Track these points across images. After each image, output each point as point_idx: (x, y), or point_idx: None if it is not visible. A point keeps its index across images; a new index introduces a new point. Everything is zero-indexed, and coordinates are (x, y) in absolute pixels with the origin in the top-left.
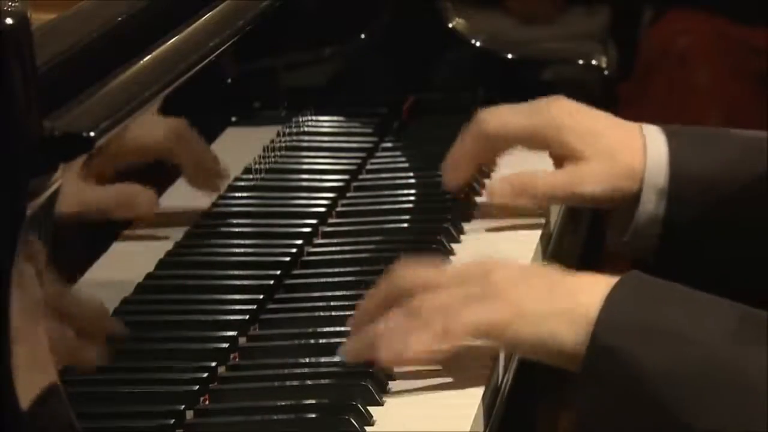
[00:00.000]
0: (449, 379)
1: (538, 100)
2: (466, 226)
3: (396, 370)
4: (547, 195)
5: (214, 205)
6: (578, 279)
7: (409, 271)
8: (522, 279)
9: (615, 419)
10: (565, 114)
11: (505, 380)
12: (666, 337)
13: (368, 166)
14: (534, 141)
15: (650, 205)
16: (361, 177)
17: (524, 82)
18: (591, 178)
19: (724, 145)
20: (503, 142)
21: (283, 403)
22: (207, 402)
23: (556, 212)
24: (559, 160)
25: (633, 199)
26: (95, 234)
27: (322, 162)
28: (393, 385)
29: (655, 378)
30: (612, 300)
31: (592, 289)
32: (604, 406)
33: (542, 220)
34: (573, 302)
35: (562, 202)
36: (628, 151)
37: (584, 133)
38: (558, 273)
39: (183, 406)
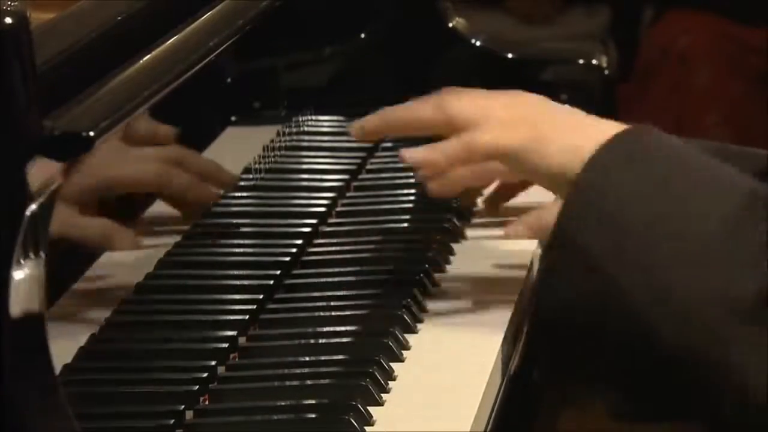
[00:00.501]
0: (449, 379)
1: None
2: (466, 227)
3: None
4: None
5: (214, 205)
6: (584, 120)
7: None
8: (538, 108)
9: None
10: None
11: (505, 380)
12: (643, 200)
13: (368, 166)
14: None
15: None
16: (361, 177)
17: (524, 82)
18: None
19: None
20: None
21: (282, 403)
22: (207, 402)
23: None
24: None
25: None
26: None
27: (322, 162)
28: (393, 386)
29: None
30: (599, 158)
31: (597, 132)
32: (581, 231)
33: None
34: (581, 138)
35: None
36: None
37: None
38: (569, 110)
39: (183, 406)
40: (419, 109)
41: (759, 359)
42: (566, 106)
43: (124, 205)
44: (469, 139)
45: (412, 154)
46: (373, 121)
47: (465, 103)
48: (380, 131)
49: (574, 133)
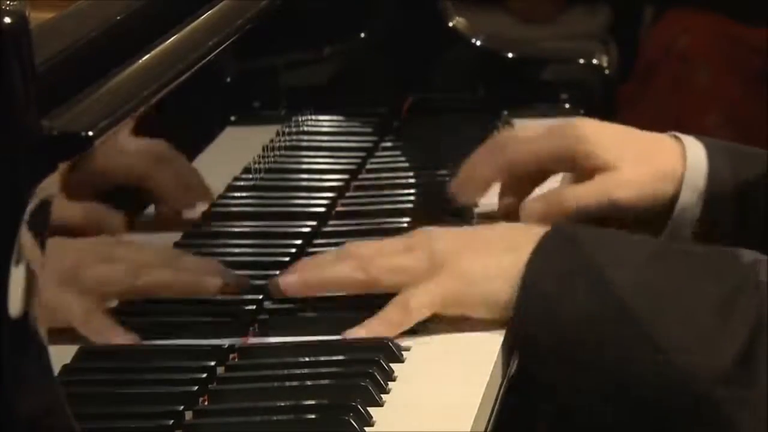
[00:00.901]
0: (449, 379)
1: (558, 121)
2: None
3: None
4: (581, 206)
5: (214, 205)
6: (513, 234)
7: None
8: (462, 246)
9: (548, 360)
10: (590, 130)
11: (504, 380)
12: (584, 280)
13: (368, 166)
14: (561, 162)
15: (689, 207)
16: (360, 177)
17: (525, 82)
18: (625, 184)
19: (755, 161)
20: (526, 167)
21: (282, 404)
22: (206, 402)
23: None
24: (590, 176)
25: (667, 202)
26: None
27: (322, 162)
28: (393, 386)
29: (577, 320)
30: (538, 251)
31: (525, 245)
32: (537, 348)
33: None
34: (504, 260)
35: (596, 212)
36: (661, 154)
37: (612, 144)
38: (491, 231)
39: (182, 407)
40: (339, 271)
41: (750, 416)
42: (483, 228)
43: (121, 206)
44: (404, 306)
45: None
46: (294, 284)
47: (385, 266)
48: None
49: (491, 261)
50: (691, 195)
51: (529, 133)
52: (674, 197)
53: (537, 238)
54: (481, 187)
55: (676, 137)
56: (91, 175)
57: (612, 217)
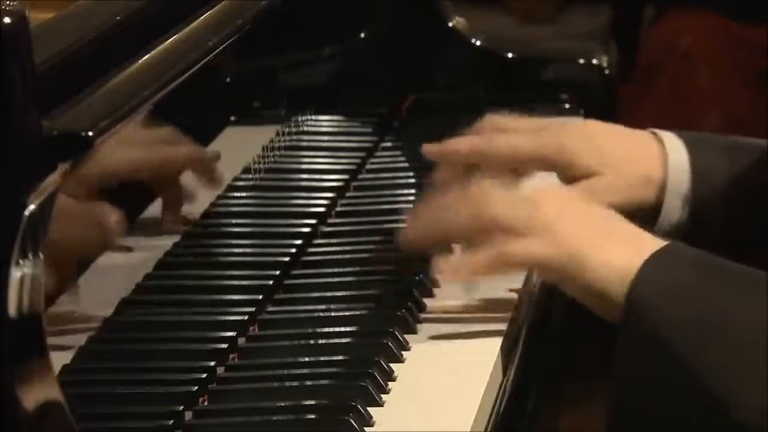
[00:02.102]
0: (449, 380)
1: (548, 122)
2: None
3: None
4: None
5: (213, 205)
6: (624, 230)
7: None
8: (579, 218)
9: (646, 376)
10: (574, 135)
11: (505, 380)
12: (695, 303)
13: (368, 166)
14: (539, 165)
15: (674, 212)
16: (360, 177)
17: (525, 82)
18: (603, 191)
19: (743, 153)
20: (502, 160)
21: (282, 404)
22: (206, 402)
23: None
24: (571, 181)
25: (651, 208)
26: None
27: (322, 162)
28: (393, 386)
29: (681, 337)
30: (654, 261)
31: (638, 244)
32: (637, 360)
33: None
34: (621, 254)
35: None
36: (642, 161)
37: (593, 149)
38: (611, 218)
39: (182, 407)
40: (458, 217)
41: None
42: (606, 212)
43: (121, 206)
44: (506, 251)
45: (445, 267)
46: (414, 231)
47: (505, 204)
48: (424, 242)
49: (608, 249)
50: (674, 198)
51: (516, 126)
52: (659, 202)
53: (649, 242)
54: (450, 155)
55: (657, 137)
56: (99, 173)
57: None
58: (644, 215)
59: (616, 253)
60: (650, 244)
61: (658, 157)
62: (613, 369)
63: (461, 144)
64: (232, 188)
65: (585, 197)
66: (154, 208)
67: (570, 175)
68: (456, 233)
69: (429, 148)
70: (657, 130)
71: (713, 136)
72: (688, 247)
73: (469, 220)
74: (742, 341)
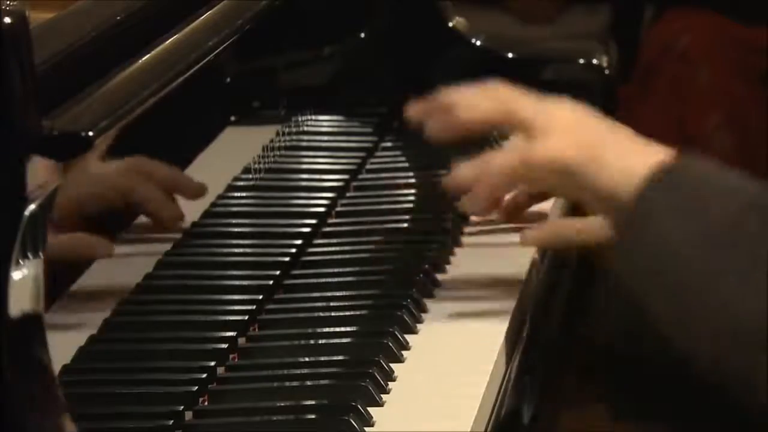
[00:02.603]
0: (449, 380)
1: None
2: (465, 227)
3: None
4: (585, 239)
5: (213, 205)
6: (638, 141)
7: None
8: (598, 125)
9: (644, 283)
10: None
11: (505, 380)
12: (696, 218)
13: (368, 166)
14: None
15: None
16: (360, 177)
17: (525, 82)
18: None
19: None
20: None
21: (282, 404)
22: (206, 403)
23: (557, 210)
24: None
25: None
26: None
27: (322, 162)
28: (393, 386)
29: (680, 251)
30: (662, 172)
31: (650, 155)
32: (636, 266)
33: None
34: (636, 161)
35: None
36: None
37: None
38: (630, 133)
39: (182, 407)
40: (480, 107)
41: None
42: (625, 129)
43: (108, 220)
44: (527, 153)
45: (464, 173)
46: (438, 126)
47: (527, 102)
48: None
49: (627, 156)
50: None
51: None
52: None
53: (661, 154)
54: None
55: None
56: (74, 203)
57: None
58: None
59: (635, 160)
60: (660, 154)
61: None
62: (616, 268)
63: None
64: (232, 188)
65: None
66: None
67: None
68: (476, 125)
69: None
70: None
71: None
72: (698, 163)
73: (490, 112)
74: (740, 257)
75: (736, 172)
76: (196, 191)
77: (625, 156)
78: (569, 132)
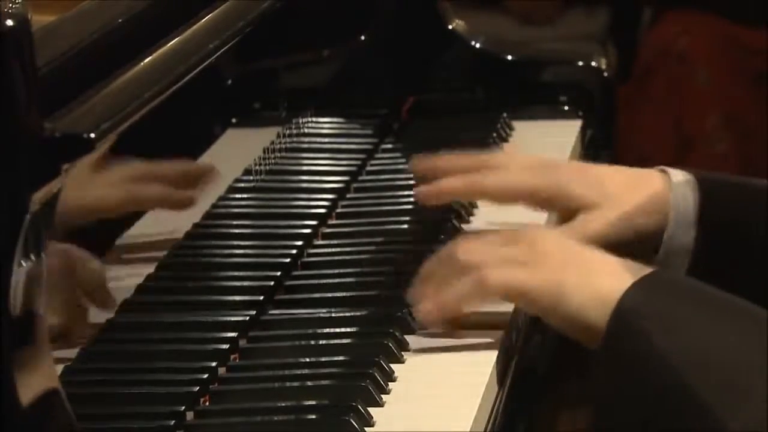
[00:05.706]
0: (449, 379)
1: (540, 159)
2: (465, 228)
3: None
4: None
5: (214, 206)
6: (609, 262)
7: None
8: (562, 252)
9: (628, 397)
10: (573, 170)
11: (505, 380)
12: (681, 330)
13: (368, 168)
14: (537, 200)
15: (678, 238)
16: (361, 178)
17: (524, 84)
18: (600, 221)
19: (750, 190)
20: (498, 197)
21: (283, 404)
22: (207, 403)
23: (551, 225)
24: (570, 217)
25: (653, 236)
26: (95, 235)
27: (322, 163)
28: (393, 386)
29: (664, 365)
30: (637, 287)
31: (622, 275)
32: (619, 382)
33: (542, 221)
34: (604, 283)
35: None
36: (642, 188)
37: (591, 182)
38: (593, 253)
39: (183, 407)
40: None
41: None
42: (588, 248)
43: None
44: (480, 278)
45: (425, 307)
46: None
47: (476, 245)
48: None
49: (596, 281)
50: (677, 228)
51: (508, 163)
52: (660, 231)
53: (635, 272)
54: (444, 196)
55: (660, 169)
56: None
57: None
58: (647, 242)
59: (600, 283)
60: (634, 274)
61: (661, 184)
62: (595, 389)
63: (456, 182)
64: (233, 190)
65: (567, 234)
66: (155, 211)
67: (567, 210)
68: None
69: (418, 165)
70: (663, 167)
71: (723, 176)
72: (674, 275)
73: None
74: (722, 368)
75: (714, 291)
76: (206, 172)
77: (589, 280)
78: (529, 260)
